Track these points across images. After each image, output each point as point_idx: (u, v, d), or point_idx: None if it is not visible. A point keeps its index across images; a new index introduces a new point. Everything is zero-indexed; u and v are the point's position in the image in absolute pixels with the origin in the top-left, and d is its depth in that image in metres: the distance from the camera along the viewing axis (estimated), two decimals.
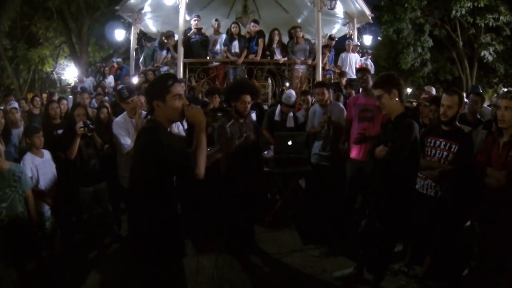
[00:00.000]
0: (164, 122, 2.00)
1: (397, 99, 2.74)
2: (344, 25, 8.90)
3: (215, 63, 7.17)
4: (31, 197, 3.26)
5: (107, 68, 9.96)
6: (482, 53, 15.25)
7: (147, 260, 2.02)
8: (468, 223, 2.97)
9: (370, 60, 9.10)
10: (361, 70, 4.66)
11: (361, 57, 8.79)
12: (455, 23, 15.85)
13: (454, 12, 13.98)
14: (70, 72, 19.68)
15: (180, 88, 1.98)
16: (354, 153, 4.19)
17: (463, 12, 13.96)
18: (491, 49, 15.05)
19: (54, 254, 3.67)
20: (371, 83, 4.07)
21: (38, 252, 3.35)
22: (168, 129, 2.07)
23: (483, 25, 14.54)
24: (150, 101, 1.99)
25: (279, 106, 5.24)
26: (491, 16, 13.91)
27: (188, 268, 3.36)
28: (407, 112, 2.85)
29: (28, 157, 3.53)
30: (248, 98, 3.55)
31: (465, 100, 5.42)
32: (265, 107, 6.28)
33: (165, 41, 7.44)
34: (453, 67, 17.79)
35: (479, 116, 4.30)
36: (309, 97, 5.46)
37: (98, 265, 3.67)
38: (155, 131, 1.92)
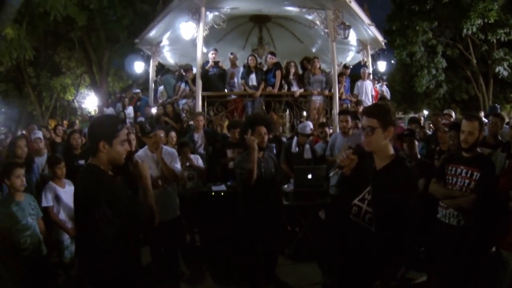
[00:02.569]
0: (105, 165, 1.98)
1: (388, 140, 2.08)
2: (358, 52, 8.99)
3: (233, 96, 7.24)
4: (42, 225, 3.38)
5: (127, 99, 10.27)
6: (497, 69, 15.07)
7: None
8: (493, 249, 2.91)
9: (385, 86, 9.14)
10: (383, 98, 4.66)
11: (377, 83, 8.82)
12: (467, 41, 15.82)
13: (465, 30, 13.97)
14: (90, 101, 20.45)
15: (126, 133, 2.04)
16: None
17: (474, 29, 13.95)
18: (505, 64, 14.86)
19: (71, 282, 3.71)
20: None
21: (54, 280, 3.43)
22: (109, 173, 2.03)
23: (495, 41, 14.45)
24: (96, 142, 1.95)
25: (295, 138, 5.29)
26: (502, 31, 13.85)
27: None
28: (398, 158, 2.10)
29: (50, 186, 3.68)
30: (263, 129, 3.51)
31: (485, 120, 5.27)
32: (284, 139, 6.29)
33: (184, 74, 7.56)
34: (469, 86, 17.61)
35: (500, 138, 4.20)
36: (327, 129, 5.51)
37: None
38: (97, 177, 1.91)
